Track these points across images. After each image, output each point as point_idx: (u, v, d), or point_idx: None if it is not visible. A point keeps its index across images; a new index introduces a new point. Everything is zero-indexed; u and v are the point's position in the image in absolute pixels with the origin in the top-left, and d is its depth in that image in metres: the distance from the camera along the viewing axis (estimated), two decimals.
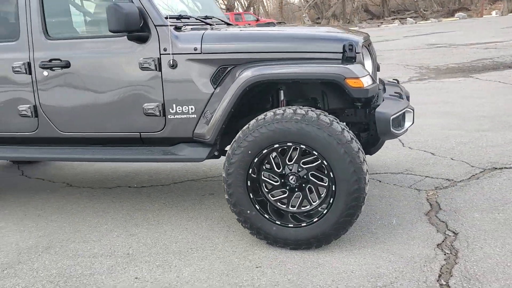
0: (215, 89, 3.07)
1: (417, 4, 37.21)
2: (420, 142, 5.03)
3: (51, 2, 3.35)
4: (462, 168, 4.15)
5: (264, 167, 2.95)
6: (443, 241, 2.92)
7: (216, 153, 3.30)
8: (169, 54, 3.06)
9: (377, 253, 2.83)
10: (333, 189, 2.78)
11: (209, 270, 2.79)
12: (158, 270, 2.82)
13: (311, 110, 2.80)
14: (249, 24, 25.42)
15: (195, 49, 3.04)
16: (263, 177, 2.95)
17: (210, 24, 3.45)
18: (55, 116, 3.40)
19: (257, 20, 29.93)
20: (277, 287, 2.57)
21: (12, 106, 3.46)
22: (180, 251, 3.04)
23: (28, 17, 3.33)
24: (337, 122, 2.78)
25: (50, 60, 3.30)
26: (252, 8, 41.71)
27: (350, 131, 2.80)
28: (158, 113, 3.15)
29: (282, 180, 2.93)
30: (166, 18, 3.07)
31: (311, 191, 2.93)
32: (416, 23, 31.35)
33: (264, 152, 2.85)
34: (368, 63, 3.08)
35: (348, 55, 2.85)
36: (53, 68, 3.31)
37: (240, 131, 2.90)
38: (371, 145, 3.70)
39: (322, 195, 2.91)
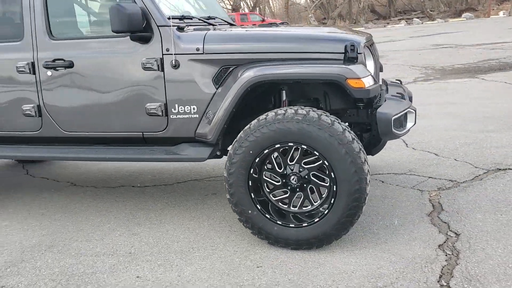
0: (217, 89, 3.08)
1: (424, 4, 37.03)
2: (424, 142, 5.02)
3: (55, 3, 3.37)
4: (466, 169, 4.14)
5: (265, 167, 2.95)
6: (444, 242, 2.91)
7: (218, 153, 3.31)
8: (172, 54, 3.08)
9: (378, 254, 2.83)
10: (334, 189, 2.78)
11: (210, 269, 2.80)
12: (160, 269, 2.84)
13: (313, 111, 2.81)
14: (254, 24, 25.43)
15: (197, 49, 3.06)
16: (264, 177, 2.96)
17: (213, 25, 3.47)
18: (58, 116, 3.43)
19: (263, 20, 29.90)
20: (277, 287, 2.58)
21: (16, 106, 3.49)
22: (182, 250, 3.05)
23: (32, 17, 3.36)
24: (339, 123, 2.79)
25: (54, 60, 3.33)
26: (258, 8, 41.70)
27: (352, 132, 2.80)
28: (160, 113, 3.17)
29: (284, 180, 2.94)
30: (169, 18, 3.09)
31: (312, 191, 2.93)
32: (422, 23, 31.22)
33: (265, 152, 2.85)
34: (370, 64, 3.08)
35: (350, 56, 2.85)
36: (57, 68, 3.33)
37: (242, 131, 2.91)
38: (373, 145, 3.69)
39: (323, 196, 2.91)
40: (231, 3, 38.89)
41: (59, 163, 5.29)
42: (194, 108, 3.14)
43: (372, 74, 2.98)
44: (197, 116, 3.14)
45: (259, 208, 2.93)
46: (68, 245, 3.24)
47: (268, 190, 2.99)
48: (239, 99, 2.95)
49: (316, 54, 2.94)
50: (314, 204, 2.93)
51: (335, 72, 2.82)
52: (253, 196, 2.92)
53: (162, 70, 3.12)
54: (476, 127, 5.44)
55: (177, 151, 3.24)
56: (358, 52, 2.88)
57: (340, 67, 2.83)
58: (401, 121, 3.00)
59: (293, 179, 2.91)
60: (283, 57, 2.98)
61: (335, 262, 2.78)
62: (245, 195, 2.92)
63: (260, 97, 3.25)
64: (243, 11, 38.80)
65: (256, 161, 2.87)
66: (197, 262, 2.89)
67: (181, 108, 3.15)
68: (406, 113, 3.06)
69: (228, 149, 3.02)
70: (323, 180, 2.88)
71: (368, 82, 2.84)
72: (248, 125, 2.90)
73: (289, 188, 2.93)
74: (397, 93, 3.37)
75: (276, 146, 2.83)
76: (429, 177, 4.01)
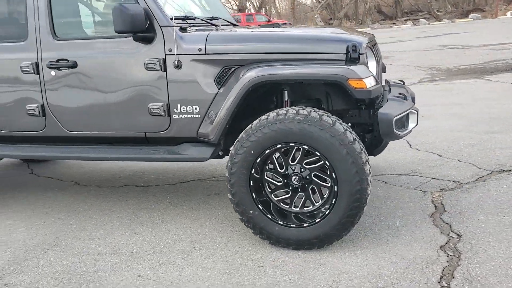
0: (219, 89, 3.09)
1: (431, 5, 36.86)
2: (428, 143, 5.00)
3: (59, 3, 3.40)
4: (469, 170, 4.12)
5: (267, 167, 2.96)
6: (446, 243, 2.90)
7: (220, 153, 3.32)
8: (174, 54, 3.09)
9: (379, 254, 2.83)
10: (336, 189, 2.78)
11: (211, 269, 2.81)
12: (161, 268, 2.85)
13: (314, 111, 2.81)
14: (259, 25, 25.43)
15: (200, 49, 3.07)
16: (266, 177, 2.97)
17: (216, 25, 3.48)
18: (62, 115, 3.45)
19: (268, 21, 29.89)
20: (278, 286, 2.58)
21: (20, 105, 3.52)
22: (183, 250, 3.07)
23: (36, 17, 3.38)
24: (340, 123, 2.79)
25: (58, 60, 3.35)
26: (264, 9, 41.71)
27: (353, 132, 2.80)
28: (163, 113, 3.19)
29: (285, 180, 2.94)
30: (171, 19, 3.10)
31: (314, 192, 2.93)
32: (429, 24, 31.09)
33: (266, 152, 2.86)
34: (372, 64, 3.08)
35: (352, 56, 2.85)
36: (61, 68, 3.36)
37: (243, 131, 2.92)
38: (374, 146, 3.69)
39: (324, 196, 2.91)
40: (237, 4, 38.93)
41: (63, 162, 5.32)
42: (196, 108, 3.15)
43: (374, 74, 2.98)
44: (199, 116, 3.15)
45: (261, 208, 2.94)
46: (71, 244, 3.26)
47: (270, 190, 3.00)
48: (241, 99, 2.96)
49: (318, 55, 2.94)
50: (316, 204, 2.94)
51: (337, 72, 2.82)
52: (254, 196, 2.93)
53: (165, 70, 3.13)
54: (481, 128, 5.42)
55: (180, 151, 3.26)
56: (360, 52, 2.88)
57: (341, 68, 2.83)
58: (402, 122, 2.99)
59: (294, 179, 2.91)
60: (285, 57, 2.98)
61: (336, 262, 2.78)
62: (246, 195, 2.93)
63: (262, 98, 3.25)
64: (249, 12, 38.82)
65: (258, 161, 2.88)
66: (199, 262, 2.90)
67: (184, 108, 3.17)
68: (408, 114, 3.06)
69: (230, 149, 3.03)
70: (325, 181, 2.88)
71: (369, 82, 2.84)
72: (250, 125, 2.91)
73: (290, 188, 2.93)
74: (399, 93, 3.36)
75: (278, 146, 2.83)
76: (432, 178, 4.00)
